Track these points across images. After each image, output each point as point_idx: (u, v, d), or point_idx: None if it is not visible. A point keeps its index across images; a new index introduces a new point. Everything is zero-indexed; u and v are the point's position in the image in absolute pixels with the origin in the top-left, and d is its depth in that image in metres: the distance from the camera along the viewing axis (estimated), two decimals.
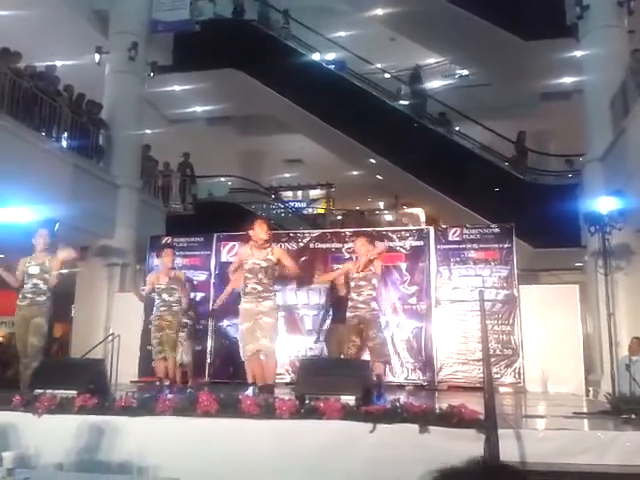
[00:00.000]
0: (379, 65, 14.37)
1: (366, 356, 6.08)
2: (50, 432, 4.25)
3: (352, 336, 5.95)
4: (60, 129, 9.56)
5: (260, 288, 5.40)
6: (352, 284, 6.08)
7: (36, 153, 8.51)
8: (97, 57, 10.89)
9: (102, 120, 10.58)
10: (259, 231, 5.50)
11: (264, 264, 5.42)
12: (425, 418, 3.87)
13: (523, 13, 11.42)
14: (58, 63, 10.42)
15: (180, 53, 12.87)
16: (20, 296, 6.03)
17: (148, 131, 12.12)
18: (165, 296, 6.63)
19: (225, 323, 8.69)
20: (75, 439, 4.16)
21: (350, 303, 6.04)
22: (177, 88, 13.65)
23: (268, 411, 4.09)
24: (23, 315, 5.99)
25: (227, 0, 13.89)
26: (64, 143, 9.70)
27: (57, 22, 10.65)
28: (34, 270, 5.99)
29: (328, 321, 7.64)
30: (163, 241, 9.35)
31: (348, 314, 6.02)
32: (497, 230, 8.32)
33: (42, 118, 9.08)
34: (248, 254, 5.52)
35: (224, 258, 9.38)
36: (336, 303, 7.25)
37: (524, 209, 10.43)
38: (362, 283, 5.98)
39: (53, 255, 6.07)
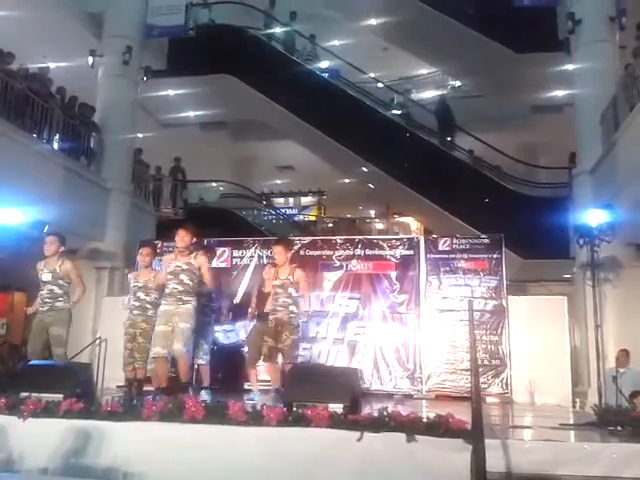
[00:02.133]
0: (372, 74, 14.43)
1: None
2: (35, 436, 4.22)
3: (267, 336, 6.18)
4: (52, 131, 9.52)
5: (180, 288, 5.67)
6: (272, 291, 6.33)
7: (27, 155, 8.47)
8: (90, 60, 10.89)
9: (94, 123, 10.56)
10: (178, 239, 5.82)
11: (185, 267, 5.72)
12: (412, 427, 3.87)
13: (515, 26, 11.52)
14: (51, 65, 10.42)
15: (174, 58, 12.89)
16: (39, 300, 6.05)
17: (140, 135, 12.08)
18: (141, 294, 6.23)
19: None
20: (60, 443, 4.13)
21: (270, 307, 6.30)
22: (171, 93, 13.66)
23: (255, 418, 4.07)
24: (41, 320, 5.99)
25: (223, 6, 13.92)
26: (55, 145, 9.66)
27: (51, 24, 10.64)
28: (47, 277, 6.00)
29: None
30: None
31: (269, 316, 6.24)
32: (487, 240, 8.34)
33: (34, 120, 9.04)
34: (171, 259, 5.87)
35: (214, 264, 9.34)
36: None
37: (514, 220, 10.49)
38: (279, 291, 6.21)
39: (63, 260, 6.07)
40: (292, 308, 6.21)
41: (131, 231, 10.36)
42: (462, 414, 3.92)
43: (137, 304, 6.24)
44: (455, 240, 8.38)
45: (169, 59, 12.89)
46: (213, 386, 7.05)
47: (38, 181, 8.47)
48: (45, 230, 7.24)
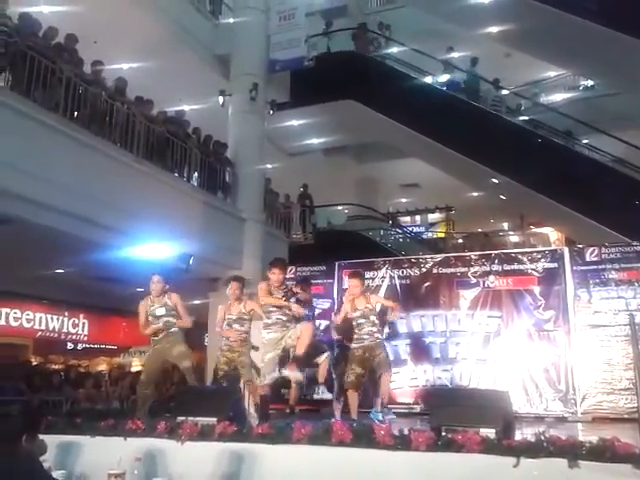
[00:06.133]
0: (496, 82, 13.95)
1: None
2: (192, 459, 4.42)
3: (354, 364, 6.13)
4: (191, 169, 10.17)
5: (285, 318, 5.98)
6: (353, 323, 6.30)
7: (170, 193, 9.08)
8: (221, 99, 11.53)
9: (227, 158, 11.15)
10: (274, 278, 6.08)
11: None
12: (574, 452, 3.60)
13: None
14: (186, 107, 11.17)
15: (296, 89, 13.29)
16: (152, 336, 6.27)
17: (269, 165, 12.58)
18: (236, 326, 6.31)
19: None
20: (216, 466, 4.30)
21: (355, 336, 6.28)
22: (295, 123, 14.08)
23: (404, 442, 3.98)
24: (160, 347, 6.20)
25: (340, 34, 14.20)
26: (194, 182, 10.30)
27: (184, 70, 11.41)
28: (161, 311, 6.22)
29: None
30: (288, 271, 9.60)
31: (353, 345, 6.26)
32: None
33: (174, 160, 9.69)
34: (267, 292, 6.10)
35: (346, 286, 9.44)
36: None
37: None
38: (361, 321, 6.23)
39: (169, 293, 6.31)
40: (377, 335, 6.24)
41: (265, 258, 10.70)
42: (627, 437, 3.66)
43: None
44: (604, 249, 7.78)
45: (292, 90, 13.30)
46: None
47: (181, 216, 9.03)
48: (190, 262, 7.69)
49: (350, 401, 6.22)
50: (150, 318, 6.24)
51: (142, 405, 6.03)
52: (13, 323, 12.15)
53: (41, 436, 3.90)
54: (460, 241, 16.54)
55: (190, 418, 4.69)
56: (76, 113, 7.81)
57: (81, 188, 7.23)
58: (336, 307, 9.08)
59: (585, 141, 12.70)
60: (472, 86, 13.34)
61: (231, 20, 12.40)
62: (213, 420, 4.59)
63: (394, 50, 14.34)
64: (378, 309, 6.42)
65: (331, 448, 4.09)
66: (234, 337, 6.27)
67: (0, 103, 6.39)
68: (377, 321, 6.28)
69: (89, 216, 7.37)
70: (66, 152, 7.20)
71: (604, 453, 3.53)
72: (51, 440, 4.52)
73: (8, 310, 12.02)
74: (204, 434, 4.48)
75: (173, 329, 6.24)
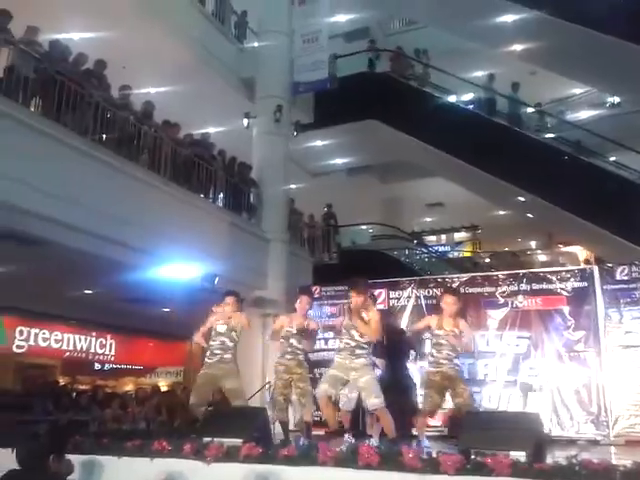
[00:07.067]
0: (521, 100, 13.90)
1: None
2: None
3: (432, 391, 5.77)
4: (216, 190, 10.28)
5: (353, 343, 5.63)
6: (433, 340, 5.98)
7: (196, 214, 9.17)
8: (245, 122, 11.67)
9: (252, 179, 11.25)
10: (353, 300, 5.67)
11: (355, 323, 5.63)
12: (607, 476, 3.52)
13: None
14: (212, 130, 11.33)
15: (320, 110, 13.40)
16: (208, 353, 6.19)
17: (293, 186, 12.65)
18: (294, 341, 6.20)
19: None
20: None
21: (431, 359, 5.95)
22: (319, 143, 14.17)
23: (432, 465, 3.90)
24: (211, 373, 6.11)
25: (361, 55, 14.31)
26: (220, 203, 10.41)
27: (209, 93, 11.58)
28: (221, 328, 6.17)
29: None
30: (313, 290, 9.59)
31: (429, 368, 5.92)
32: None
33: (200, 181, 9.81)
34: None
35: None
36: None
37: None
38: (442, 342, 5.84)
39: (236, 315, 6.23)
40: (456, 361, 5.88)
41: (290, 278, 10.75)
42: None
43: (289, 349, 6.20)
44: (634, 268, 7.62)
45: (315, 112, 13.42)
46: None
47: (207, 237, 9.10)
48: (216, 282, 7.73)
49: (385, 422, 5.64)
50: (212, 332, 6.21)
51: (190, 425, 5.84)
52: (42, 343, 12.31)
53: (68, 456, 3.93)
54: (487, 260, 16.35)
55: (216, 439, 4.68)
56: (105, 137, 7.97)
57: (109, 210, 7.34)
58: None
59: (612, 158, 12.53)
60: (514, 111, 13.26)
61: (256, 44, 12.61)
62: (239, 441, 4.56)
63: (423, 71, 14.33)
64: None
65: (357, 471, 4.02)
66: (289, 354, 6.15)
67: (31, 128, 6.55)
68: (458, 347, 5.82)
69: (117, 238, 7.47)
70: (94, 175, 7.33)
71: (638, 477, 3.45)
72: (78, 460, 4.56)
73: (37, 330, 12.18)
74: (230, 455, 4.46)
75: (228, 356, 6.10)
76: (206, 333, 6.28)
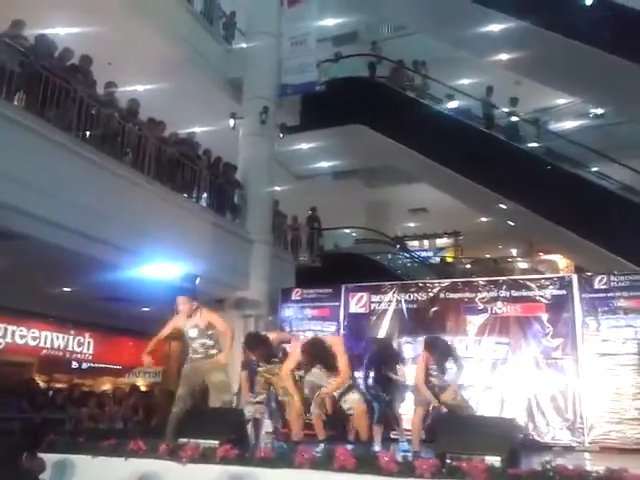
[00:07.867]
0: (505, 109, 14.03)
1: None
2: None
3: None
4: (200, 190, 10.23)
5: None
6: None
7: (180, 213, 9.11)
8: (232, 122, 11.65)
9: (237, 180, 11.22)
10: None
11: None
12: None
13: None
14: (197, 129, 11.27)
15: (306, 113, 13.41)
16: (191, 351, 5.91)
17: (277, 188, 12.63)
18: None
19: None
20: None
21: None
22: (304, 146, 14.17)
23: (407, 469, 3.92)
24: (196, 367, 5.83)
25: (351, 60, 14.33)
26: (204, 203, 10.36)
27: (196, 92, 11.55)
28: (193, 333, 5.81)
29: None
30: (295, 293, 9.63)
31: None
32: None
33: (184, 180, 9.76)
34: None
35: (352, 309, 9.44)
36: None
37: None
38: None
39: (200, 311, 5.90)
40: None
41: (272, 280, 10.73)
42: (635, 468, 3.60)
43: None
44: (613, 277, 7.74)
45: (302, 114, 13.42)
46: None
47: (190, 237, 9.05)
48: (197, 282, 7.68)
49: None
50: (187, 340, 5.91)
51: (173, 423, 5.47)
52: (19, 341, 12.13)
53: (42, 455, 3.89)
54: (468, 266, 16.46)
55: (192, 440, 4.65)
56: (89, 133, 7.90)
57: (90, 207, 7.27)
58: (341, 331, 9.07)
59: (594, 168, 12.69)
60: (488, 115, 13.31)
61: (244, 45, 12.61)
62: (215, 443, 4.54)
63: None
64: None
65: (333, 473, 4.03)
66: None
67: (14, 122, 6.47)
68: None
69: (97, 235, 7.40)
70: (77, 171, 7.26)
71: None
72: (52, 459, 4.51)
73: (14, 328, 12.00)
74: (206, 456, 4.44)
75: (213, 351, 5.80)
76: (162, 342, 6.06)
